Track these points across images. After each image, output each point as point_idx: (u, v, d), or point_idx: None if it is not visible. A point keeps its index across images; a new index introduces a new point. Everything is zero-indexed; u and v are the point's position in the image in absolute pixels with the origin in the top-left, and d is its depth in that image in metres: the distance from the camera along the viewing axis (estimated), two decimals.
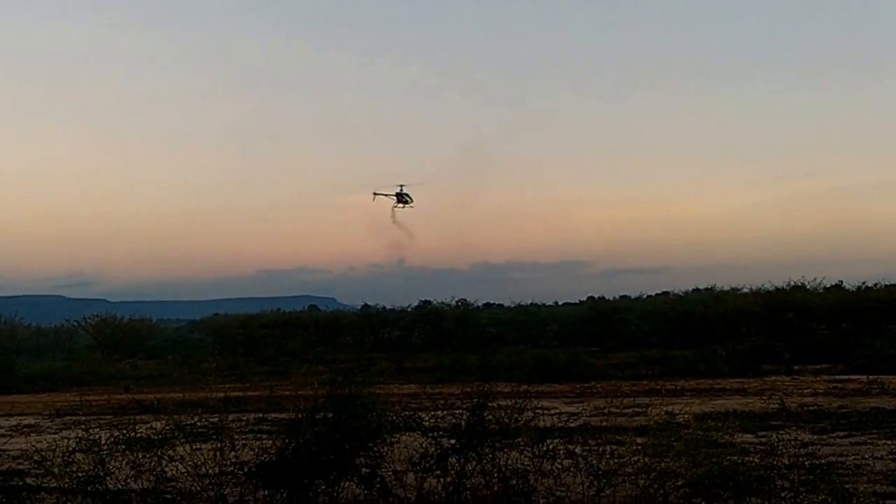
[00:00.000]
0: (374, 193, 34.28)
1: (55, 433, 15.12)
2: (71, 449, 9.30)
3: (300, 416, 8.67)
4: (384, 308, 47.33)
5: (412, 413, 8.93)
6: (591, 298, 54.38)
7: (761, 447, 9.41)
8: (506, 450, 8.47)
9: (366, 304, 48.52)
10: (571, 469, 8.53)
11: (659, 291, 49.81)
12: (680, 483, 8.08)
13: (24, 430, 16.79)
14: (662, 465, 8.19)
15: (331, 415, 8.56)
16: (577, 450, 8.96)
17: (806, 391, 20.04)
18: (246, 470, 8.68)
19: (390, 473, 8.48)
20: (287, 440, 8.61)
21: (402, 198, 34.19)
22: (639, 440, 8.84)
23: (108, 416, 16.80)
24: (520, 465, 8.44)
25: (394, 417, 8.78)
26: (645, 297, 49.03)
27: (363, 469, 8.42)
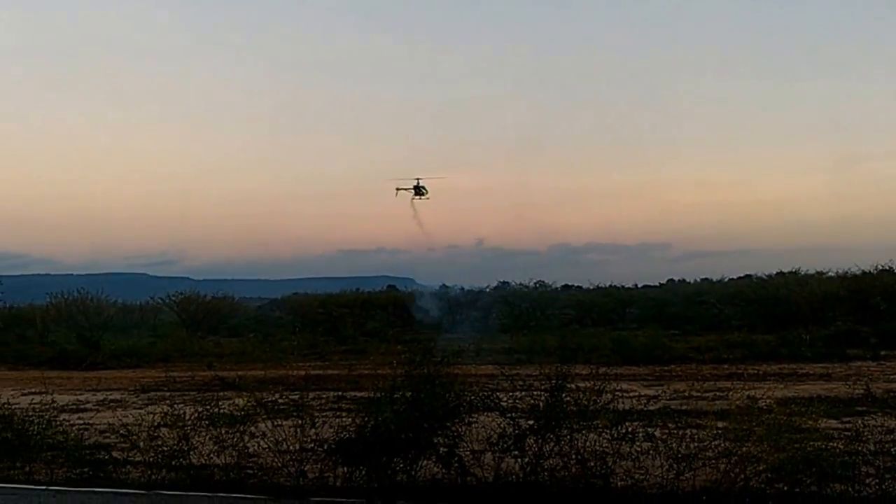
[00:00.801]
0: (397, 189, 35.84)
1: (141, 408, 15.53)
2: (156, 424, 9.59)
3: (379, 394, 8.72)
4: (462, 289, 47.44)
5: (490, 393, 8.90)
6: (670, 281, 53.45)
7: (846, 433, 9.10)
8: (584, 431, 8.39)
9: (444, 285, 48.73)
10: (650, 452, 8.43)
11: (741, 275, 48.66)
12: (761, 468, 7.92)
13: (111, 404, 17.27)
14: (744, 449, 8.04)
15: (409, 394, 8.59)
16: (657, 433, 8.85)
17: (892, 377, 19.36)
18: (326, 447, 8.81)
19: (468, 453, 8.49)
20: (366, 418, 8.69)
21: (419, 190, 35.53)
22: (720, 424, 8.69)
23: (191, 393, 17.23)
24: (598, 447, 8.36)
25: (472, 397, 8.77)
26: (727, 280, 47.96)
27: (441, 448, 8.44)
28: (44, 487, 9.10)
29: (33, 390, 17.85)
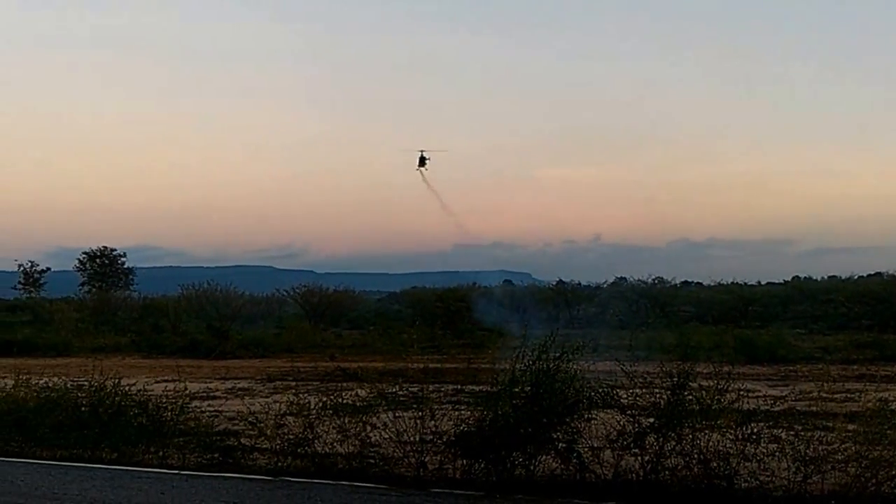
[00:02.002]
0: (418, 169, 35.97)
1: (267, 397, 16.02)
2: (282, 412, 9.89)
3: (498, 388, 8.76)
4: (579, 284, 47.04)
5: (609, 390, 8.80)
6: (795, 278, 51.44)
7: None
8: (706, 431, 8.20)
9: (560, 280, 48.41)
10: (776, 454, 8.16)
11: (871, 272, 46.42)
12: (894, 473, 7.56)
13: (239, 393, 17.87)
14: (875, 453, 7.69)
15: (528, 388, 8.59)
16: (783, 434, 8.57)
17: None
18: (445, 439, 8.90)
19: (587, 449, 8.42)
20: (485, 412, 8.74)
21: (422, 161, 35.46)
22: (849, 427, 8.34)
23: (314, 382, 17.71)
24: (721, 448, 8.16)
25: (591, 393, 8.69)
26: (856, 277, 45.85)
27: (560, 444, 8.41)
28: (176, 472, 9.50)
29: (166, 378, 18.71)
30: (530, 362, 8.71)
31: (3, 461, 9.93)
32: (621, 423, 8.46)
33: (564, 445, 8.40)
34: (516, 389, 8.65)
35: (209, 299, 40.88)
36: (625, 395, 8.70)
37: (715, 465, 8.05)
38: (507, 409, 8.48)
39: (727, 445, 8.15)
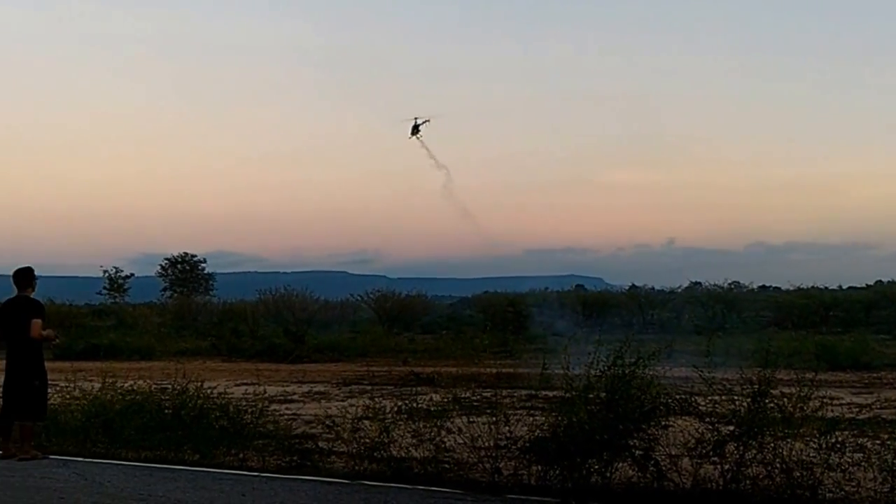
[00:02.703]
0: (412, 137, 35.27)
1: (343, 400, 16.23)
2: (358, 416, 10.01)
3: (572, 394, 8.70)
4: (653, 289, 46.48)
5: (686, 396, 8.67)
6: (878, 283, 49.88)
7: None
8: (789, 440, 8.01)
9: (633, 285, 47.90)
10: (862, 464, 7.92)
11: None
12: None
13: (316, 396, 18.14)
14: None
15: (604, 394, 8.52)
16: (868, 443, 8.32)
17: None
18: (519, 445, 8.87)
19: (665, 457, 8.30)
20: (559, 418, 8.69)
21: (415, 129, 34.19)
22: None
23: (388, 387, 17.82)
24: (804, 457, 7.96)
25: (667, 400, 8.57)
26: None
27: (637, 451, 8.30)
28: (256, 474, 9.67)
29: (245, 381, 19.11)
30: (605, 368, 8.63)
31: (90, 462, 10.23)
32: (700, 430, 8.31)
33: (641, 453, 8.30)
34: (591, 395, 8.58)
35: (286, 304, 41.66)
36: (703, 402, 8.56)
37: (798, 474, 7.85)
38: (583, 415, 8.41)
39: (810, 455, 7.95)
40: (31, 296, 10.70)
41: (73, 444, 10.97)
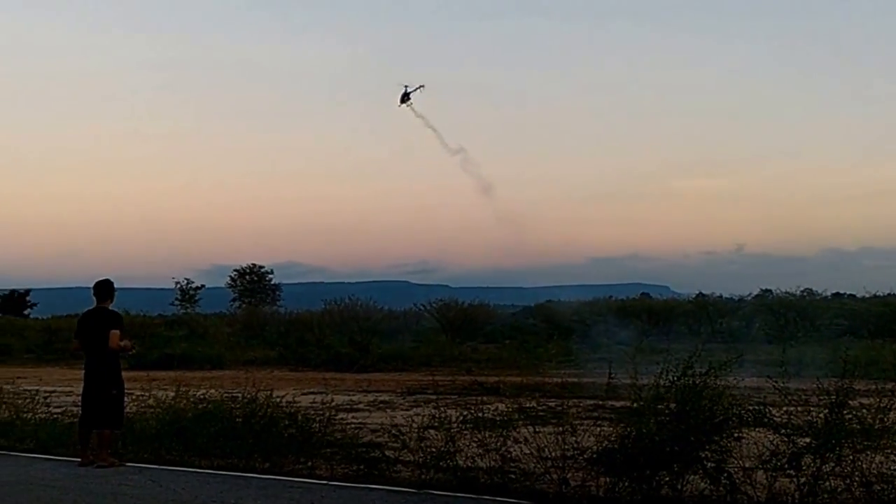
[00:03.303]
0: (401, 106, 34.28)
1: (407, 409, 16.27)
2: (424, 425, 10.02)
3: (640, 404, 8.59)
4: (721, 297, 45.58)
5: (759, 407, 8.48)
6: None
7: None
8: (868, 452, 7.78)
9: (701, 293, 47.05)
10: None
11: None
12: None
13: (381, 405, 18.23)
14: None
15: (673, 405, 8.39)
16: None
17: None
18: (587, 455, 8.79)
19: (738, 470, 8.13)
20: (628, 428, 8.58)
21: (404, 98, 34.02)
22: None
23: (452, 396, 17.83)
24: (885, 470, 7.73)
25: (740, 411, 8.39)
26: None
27: (708, 463, 8.15)
28: (325, 482, 9.75)
29: (312, 390, 19.33)
30: (675, 378, 8.50)
31: (164, 469, 10.45)
32: (774, 442, 8.12)
33: (713, 465, 8.13)
34: (661, 406, 8.46)
35: (351, 314, 42.00)
36: (777, 414, 8.37)
37: (878, 488, 7.62)
38: (652, 426, 8.29)
39: (891, 468, 7.71)
40: (110, 307, 10.99)
41: (148, 451, 11.22)
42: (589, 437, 9.02)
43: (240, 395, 11.81)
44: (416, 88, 34.14)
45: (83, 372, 10.97)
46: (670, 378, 8.49)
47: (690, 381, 8.38)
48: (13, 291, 62.49)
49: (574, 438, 9.01)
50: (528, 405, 9.79)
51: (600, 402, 13.05)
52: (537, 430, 9.31)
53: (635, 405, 8.71)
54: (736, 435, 8.33)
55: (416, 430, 9.97)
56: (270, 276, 70.14)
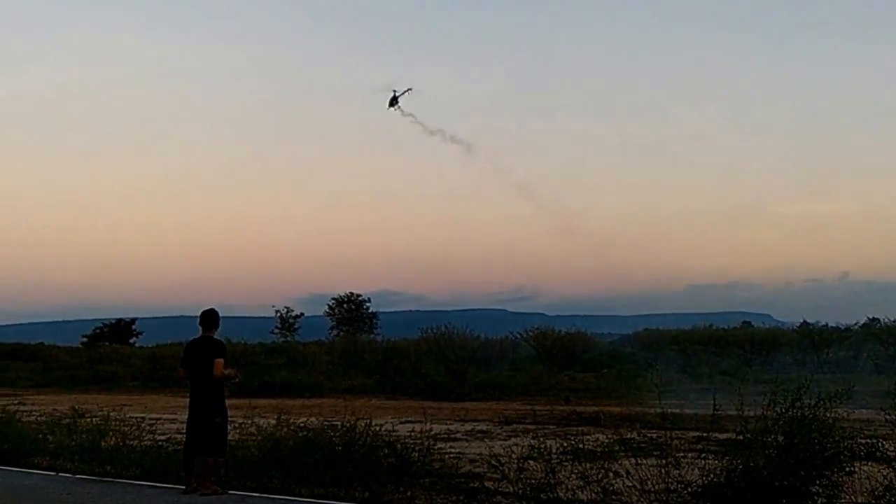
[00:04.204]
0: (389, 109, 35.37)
1: (505, 439, 16.16)
2: (523, 456, 9.93)
3: (747, 437, 8.34)
4: (826, 325, 43.98)
5: (871, 440, 8.14)
6: None
7: None
8: None
9: (805, 321, 45.49)
10: None
11: None
12: None
13: (478, 435, 18.12)
14: None
15: (782, 438, 8.12)
16: None
17: None
18: (691, 489, 8.57)
19: None
20: (734, 462, 8.34)
21: (393, 101, 35.32)
22: None
23: (551, 426, 17.68)
24: None
25: (851, 444, 8.07)
26: None
27: (819, 499, 7.86)
28: None
29: (410, 419, 19.39)
30: (783, 409, 8.23)
31: (267, 497, 10.62)
32: (888, 477, 7.78)
33: (825, 501, 7.84)
34: (769, 439, 8.20)
35: (447, 342, 42.07)
36: (890, 447, 8.01)
37: None
38: (760, 459, 8.05)
39: None
40: (215, 336, 11.29)
41: (250, 479, 11.43)
42: (693, 470, 8.81)
43: (339, 423, 11.93)
44: (404, 92, 35.57)
45: (188, 400, 11.25)
46: (778, 410, 8.23)
47: (799, 413, 8.11)
48: (119, 320, 65.06)
49: (678, 471, 8.81)
50: (628, 436, 9.62)
51: (704, 434, 12.71)
52: (639, 462, 9.14)
53: (742, 437, 8.47)
54: (847, 469, 8.01)
55: (516, 461, 9.89)
56: (368, 304, 71.07)
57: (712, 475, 8.47)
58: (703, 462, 8.89)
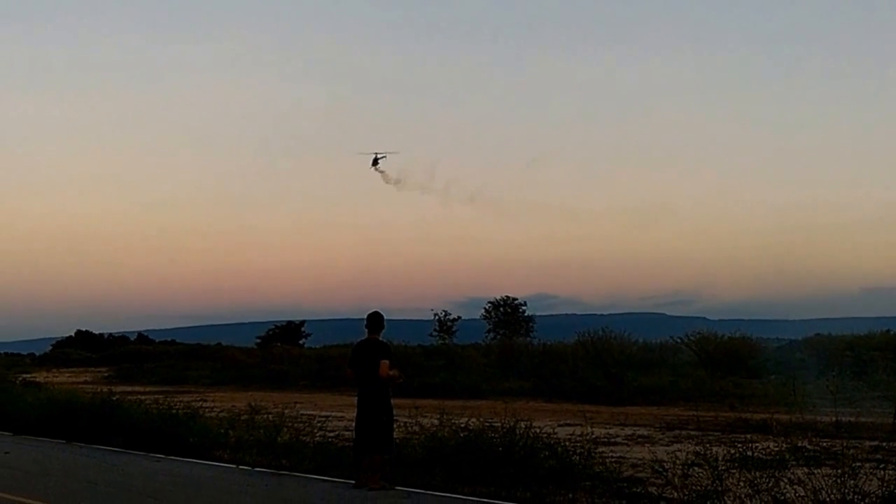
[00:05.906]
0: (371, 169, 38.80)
1: (667, 445, 15.88)
2: (688, 462, 9.74)
3: None
4: None
5: None
6: None
7: None
8: None
9: None
10: None
11: None
12: None
13: (639, 440, 17.86)
14: None
15: None
16: None
17: None
18: (869, 501, 8.16)
19: None
20: None
21: (375, 161, 38.85)
22: None
23: (715, 433, 17.21)
24: None
25: None
26: None
27: None
28: None
29: (569, 422, 19.34)
30: None
31: (432, 495, 10.85)
32: None
33: None
34: None
35: (604, 346, 41.63)
36: None
37: None
38: None
39: None
40: (380, 338, 11.70)
41: (415, 476, 11.74)
42: (871, 480, 8.38)
43: (498, 424, 12.07)
44: (384, 156, 39.21)
45: (356, 399, 11.68)
46: None
47: None
48: (290, 322, 68.17)
49: (854, 482, 8.40)
50: (800, 444, 9.26)
51: (882, 444, 12.06)
52: (812, 471, 8.78)
53: None
54: None
55: (680, 467, 9.72)
56: (524, 307, 71.29)
57: (893, 486, 8.05)
58: (882, 472, 8.45)
